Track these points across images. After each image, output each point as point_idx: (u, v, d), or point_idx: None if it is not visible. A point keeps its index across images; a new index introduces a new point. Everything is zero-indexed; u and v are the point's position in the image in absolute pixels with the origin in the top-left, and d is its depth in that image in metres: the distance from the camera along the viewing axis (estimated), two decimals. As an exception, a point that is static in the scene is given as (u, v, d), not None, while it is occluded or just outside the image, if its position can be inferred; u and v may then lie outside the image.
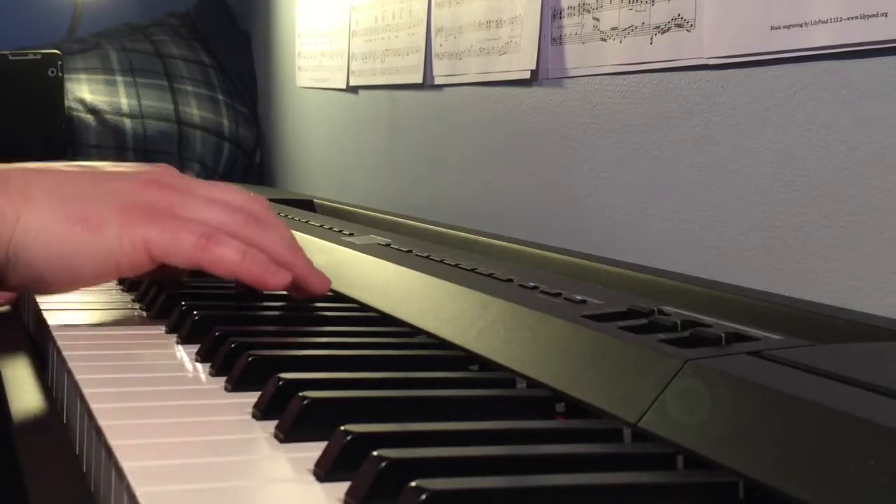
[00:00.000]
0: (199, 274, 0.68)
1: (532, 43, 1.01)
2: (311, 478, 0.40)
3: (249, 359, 0.53)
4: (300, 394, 0.45)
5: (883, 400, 0.38)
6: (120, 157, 1.74)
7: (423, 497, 0.33)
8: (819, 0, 0.71)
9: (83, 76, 1.77)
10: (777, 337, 0.48)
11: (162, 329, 0.67)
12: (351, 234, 0.88)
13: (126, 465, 0.40)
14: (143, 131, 1.75)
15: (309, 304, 0.70)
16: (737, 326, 0.49)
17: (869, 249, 0.69)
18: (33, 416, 0.59)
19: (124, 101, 1.76)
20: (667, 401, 0.43)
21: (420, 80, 1.24)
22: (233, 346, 0.56)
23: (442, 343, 0.59)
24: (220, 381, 0.54)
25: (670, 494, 0.37)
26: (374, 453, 0.37)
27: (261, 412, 0.47)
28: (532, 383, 0.50)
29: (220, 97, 1.84)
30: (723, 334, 0.47)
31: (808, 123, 0.74)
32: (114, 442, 0.43)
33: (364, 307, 0.70)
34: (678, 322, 0.50)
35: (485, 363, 0.55)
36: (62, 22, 2.26)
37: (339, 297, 0.72)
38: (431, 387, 0.50)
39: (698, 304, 0.60)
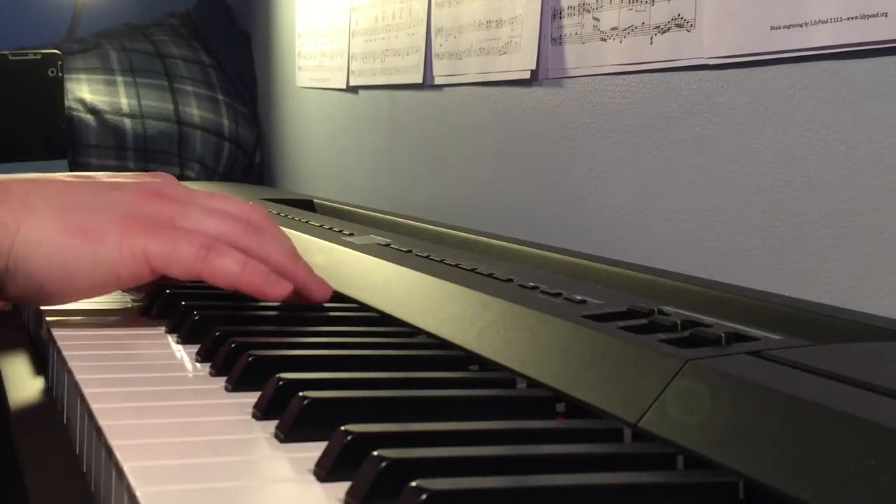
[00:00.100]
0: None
1: (532, 43, 1.01)
2: (312, 478, 0.40)
3: (249, 359, 0.53)
4: (300, 394, 0.45)
5: (883, 400, 0.38)
6: (120, 157, 1.74)
7: (423, 497, 0.33)
8: (819, 0, 0.71)
9: (83, 76, 1.77)
10: (777, 337, 0.48)
11: (162, 329, 0.67)
12: (351, 234, 0.88)
13: (126, 465, 0.40)
14: (143, 131, 1.75)
15: (309, 305, 0.70)
16: (737, 326, 0.49)
17: (869, 249, 0.69)
18: (33, 416, 0.59)
19: (124, 101, 1.76)
20: (667, 401, 0.43)
21: (420, 80, 1.24)
22: (233, 346, 0.56)
23: (442, 343, 0.59)
24: (220, 381, 0.54)
25: (670, 494, 0.37)
26: (375, 453, 0.37)
27: (261, 412, 0.47)
28: (532, 383, 0.50)
29: (220, 97, 1.84)
30: (723, 334, 0.47)
31: (808, 123, 0.74)
32: (114, 442, 0.43)
33: (364, 307, 0.70)
34: (678, 322, 0.50)
35: (485, 363, 0.55)
36: (62, 22, 2.26)
37: (339, 297, 0.72)
38: (431, 387, 0.50)
39: (698, 304, 0.60)
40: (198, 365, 0.58)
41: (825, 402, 0.38)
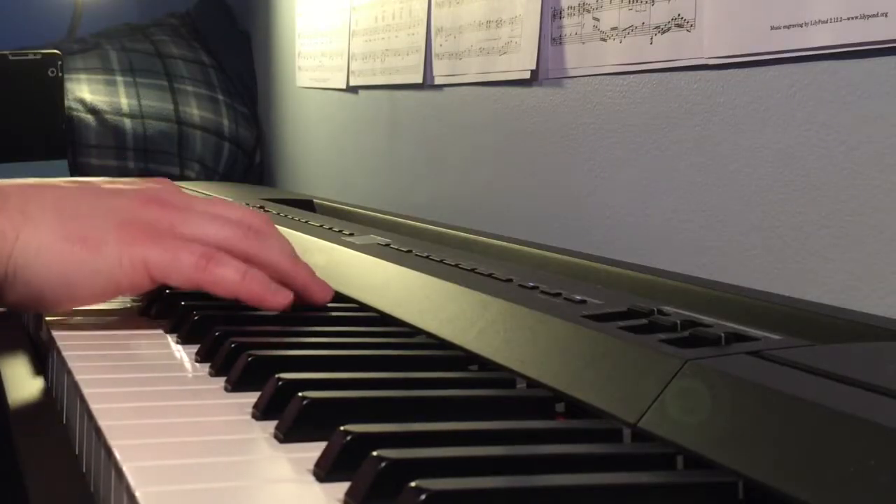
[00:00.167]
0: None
1: (532, 43, 1.01)
2: (311, 478, 0.40)
3: (249, 359, 0.53)
4: (300, 394, 0.45)
5: (883, 400, 0.38)
6: (120, 157, 1.74)
7: (423, 497, 0.33)
8: (819, 0, 0.71)
9: (83, 76, 1.77)
10: (777, 337, 0.48)
11: (161, 329, 0.67)
12: (351, 234, 0.88)
13: (126, 465, 0.40)
14: (143, 131, 1.75)
15: (309, 305, 0.70)
16: (737, 326, 0.49)
17: (869, 249, 0.69)
18: (33, 416, 0.59)
19: (124, 101, 1.76)
20: (667, 401, 0.43)
21: (420, 80, 1.24)
22: (233, 346, 0.56)
23: (442, 343, 0.59)
24: (220, 381, 0.54)
25: (670, 494, 0.37)
26: (374, 453, 0.37)
27: (260, 412, 0.47)
28: (532, 383, 0.50)
29: (220, 97, 1.84)
30: (723, 334, 0.47)
31: (808, 123, 0.74)
32: (114, 442, 0.43)
33: (364, 307, 0.70)
34: (678, 322, 0.50)
35: (485, 363, 0.55)
36: (62, 22, 2.27)
37: (339, 297, 0.72)
38: (431, 387, 0.50)
39: (698, 304, 0.60)
40: (197, 365, 0.58)
41: (825, 402, 0.38)
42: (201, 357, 0.58)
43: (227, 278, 0.63)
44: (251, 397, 0.49)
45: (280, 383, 0.48)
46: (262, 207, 1.13)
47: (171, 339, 0.64)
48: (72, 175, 1.65)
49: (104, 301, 0.66)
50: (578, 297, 0.58)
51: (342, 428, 0.40)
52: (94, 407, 0.48)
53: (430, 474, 0.35)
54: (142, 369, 0.57)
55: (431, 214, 1.13)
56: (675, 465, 0.40)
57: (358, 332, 0.63)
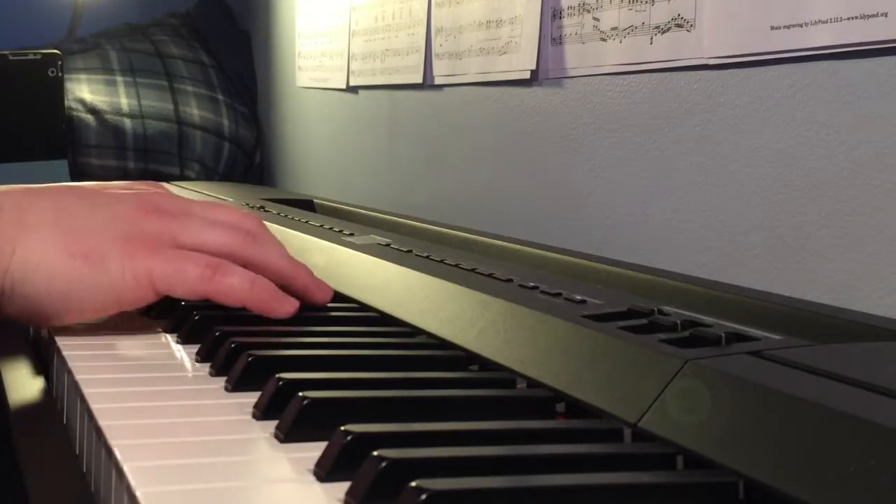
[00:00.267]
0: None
1: (532, 43, 1.01)
2: (312, 478, 0.40)
3: (249, 359, 0.53)
4: (300, 394, 0.45)
5: (883, 400, 0.38)
6: (120, 157, 1.74)
7: (423, 497, 0.33)
8: (819, 0, 0.71)
9: (83, 76, 1.77)
10: (777, 337, 0.48)
11: (162, 329, 0.67)
12: (351, 234, 0.88)
13: (126, 465, 0.40)
14: (143, 131, 1.75)
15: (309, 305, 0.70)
16: (737, 326, 0.49)
17: (869, 249, 0.69)
18: (33, 416, 0.59)
19: (124, 101, 1.76)
20: (667, 401, 0.43)
21: (420, 80, 1.24)
22: (233, 346, 0.56)
23: (442, 343, 0.59)
24: (220, 382, 0.54)
25: (670, 494, 0.37)
26: (374, 453, 0.37)
27: (261, 412, 0.47)
28: (532, 383, 0.50)
29: (220, 97, 1.84)
30: (723, 334, 0.47)
31: (808, 123, 0.74)
32: (114, 442, 0.43)
33: (364, 307, 0.70)
34: (678, 322, 0.50)
35: (485, 363, 0.55)
36: (62, 22, 2.27)
37: (339, 297, 0.72)
38: (431, 387, 0.50)
39: (698, 304, 0.60)
40: (198, 365, 0.58)
41: (825, 402, 0.38)
42: (201, 357, 0.59)
43: (236, 287, 0.63)
44: (251, 397, 0.49)
45: (280, 383, 0.48)
46: (262, 207, 1.13)
47: (171, 339, 0.64)
48: (72, 175, 1.65)
49: (107, 315, 0.65)
50: (578, 297, 0.58)
51: (342, 428, 0.40)
52: (95, 407, 0.48)
53: (431, 474, 0.35)
54: (142, 369, 0.57)
55: (431, 214, 1.13)
56: (676, 465, 0.40)
57: (358, 332, 0.63)
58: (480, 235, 0.90)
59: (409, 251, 0.78)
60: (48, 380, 0.64)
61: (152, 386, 0.53)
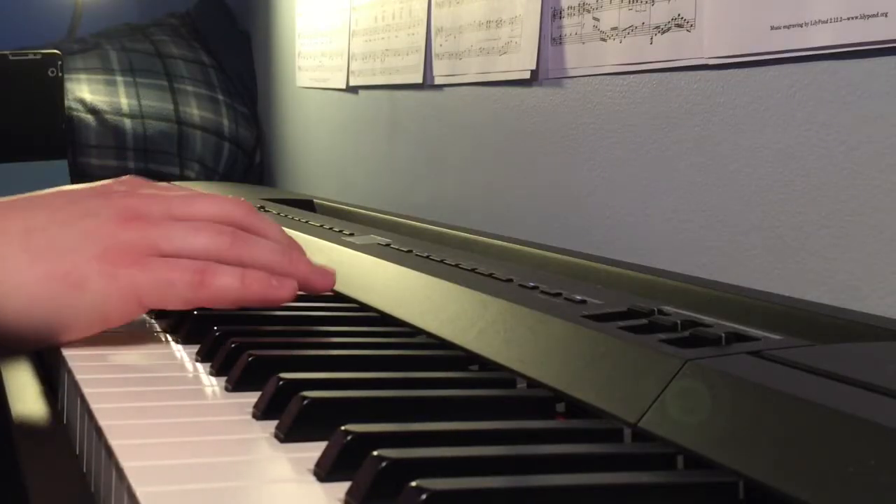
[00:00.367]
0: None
1: (532, 43, 1.01)
2: (312, 478, 0.40)
3: (249, 359, 0.53)
4: (300, 394, 0.45)
5: (883, 400, 0.38)
6: (120, 157, 1.74)
7: (423, 497, 0.33)
8: (819, 0, 0.71)
9: (83, 76, 1.77)
10: (777, 337, 0.48)
11: (162, 329, 0.67)
12: (351, 234, 0.88)
13: (126, 465, 0.40)
14: (143, 131, 1.75)
15: (309, 305, 0.70)
16: (737, 326, 0.49)
17: (869, 249, 0.69)
18: (33, 417, 0.59)
19: (124, 101, 1.76)
20: (667, 401, 0.43)
21: (420, 80, 1.24)
22: (233, 346, 0.56)
23: (442, 343, 0.59)
24: (221, 381, 0.54)
25: (670, 494, 0.37)
26: (375, 453, 0.37)
27: (261, 412, 0.47)
28: (532, 383, 0.50)
29: (220, 97, 1.84)
30: (723, 334, 0.47)
31: (808, 123, 0.74)
32: (114, 442, 0.43)
33: (364, 307, 0.70)
34: (678, 322, 0.50)
35: (485, 363, 0.55)
36: (62, 22, 2.26)
37: (339, 297, 0.72)
38: (431, 387, 0.50)
39: (698, 304, 0.60)
40: (198, 365, 0.58)
41: (825, 402, 0.38)
42: (202, 357, 0.58)
43: (226, 286, 0.60)
44: (251, 397, 0.49)
45: (280, 383, 0.48)
46: (262, 208, 1.13)
47: (171, 339, 0.64)
48: (72, 175, 1.65)
49: (92, 334, 0.61)
50: (578, 297, 0.58)
51: (343, 428, 0.40)
52: (95, 406, 0.48)
53: (431, 474, 0.35)
54: (142, 369, 0.57)
55: (431, 214, 1.13)
56: (676, 465, 0.40)
57: (358, 332, 0.63)
58: (480, 235, 0.90)
59: (409, 251, 0.78)
60: (48, 381, 0.64)
61: (152, 386, 0.53)
